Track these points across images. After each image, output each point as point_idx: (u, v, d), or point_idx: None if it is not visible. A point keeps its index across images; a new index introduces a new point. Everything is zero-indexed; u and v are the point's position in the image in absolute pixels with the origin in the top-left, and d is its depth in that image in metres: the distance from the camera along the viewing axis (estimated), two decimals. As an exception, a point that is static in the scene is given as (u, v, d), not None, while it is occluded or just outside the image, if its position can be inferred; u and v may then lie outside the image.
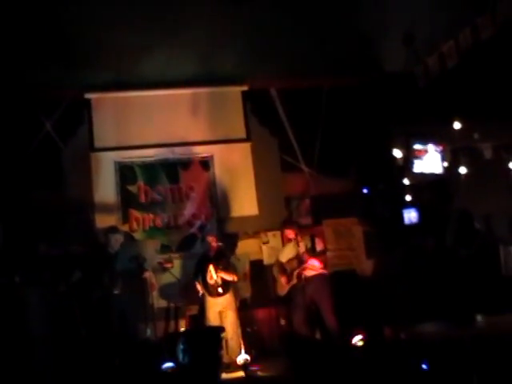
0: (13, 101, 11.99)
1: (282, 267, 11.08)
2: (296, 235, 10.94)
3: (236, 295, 11.16)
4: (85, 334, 10.61)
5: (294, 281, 10.80)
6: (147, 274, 10.68)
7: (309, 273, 10.77)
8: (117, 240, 10.77)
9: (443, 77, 11.12)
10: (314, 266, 10.78)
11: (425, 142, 12.34)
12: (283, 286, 10.98)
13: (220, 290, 10.90)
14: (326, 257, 10.94)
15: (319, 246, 10.80)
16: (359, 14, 10.43)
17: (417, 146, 12.31)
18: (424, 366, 6.67)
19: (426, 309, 9.72)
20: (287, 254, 11.08)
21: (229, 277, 10.94)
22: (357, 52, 11.68)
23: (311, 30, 10.85)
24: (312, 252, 10.71)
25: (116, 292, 10.30)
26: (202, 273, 11.05)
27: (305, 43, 11.30)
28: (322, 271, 10.87)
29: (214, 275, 10.89)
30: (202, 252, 11.71)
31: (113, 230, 11.01)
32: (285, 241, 11.88)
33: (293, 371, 9.11)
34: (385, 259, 10.88)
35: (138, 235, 12.39)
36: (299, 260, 10.77)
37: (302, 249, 10.75)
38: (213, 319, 10.88)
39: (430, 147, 12.47)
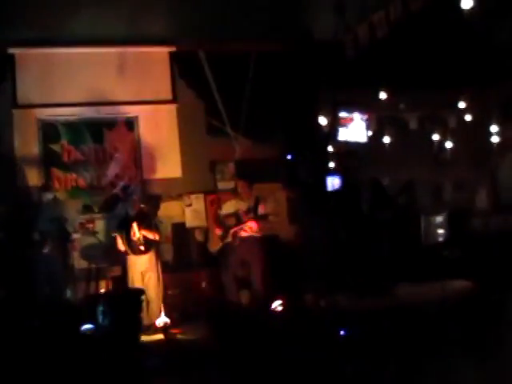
0: None
1: (219, 220, 11.09)
2: (245, 190, 10.97)
3: (158, 257, 11.12)
4: (3, 295, 10.51)
5: (229, 239, 10.83)
6: (76, 236, 10.65)
7: (244, 233, 10.81)
8: (48, 199, 10.65)
9: (372, 47, 11.16)
10: (251, 228, 10.81)
11: (351, 110, 12.45)
12: (216, 241, 11.00)
13: (142, 247, 10.87)
14: (266, 222, 10.96)
15: (261, 210, 10.83)
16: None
17: (343, 114, 12.42)
18: (342, 333, 6.77)
19: (346, 277, 9.87)
20: (228, 208, 11.11)
21: (151, 235, 10.92)
22: (287, 18, 11.65)
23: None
24: (254, 214, 10.74)
25: (41, 252, 10.23)
26: (124, 230, 10.99)
27: (234, 6, 11.20)
28: (256, 234, 10.90)
29: (136, 232, 10.86)
30: (124, 212, 11.63)
31: (45, 188, 10.88)
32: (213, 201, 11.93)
33: (213, 335, 9.17)
34: (308, 225, 10.97)
35: (59, 195, 12.21)
36: (237, 218, 10.81)
37: (244, 207, 10.79)
38: (135, 279, 10.88)
39: (356, 115, 12.59)
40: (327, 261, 10.59)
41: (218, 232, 11.03)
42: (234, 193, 11.49)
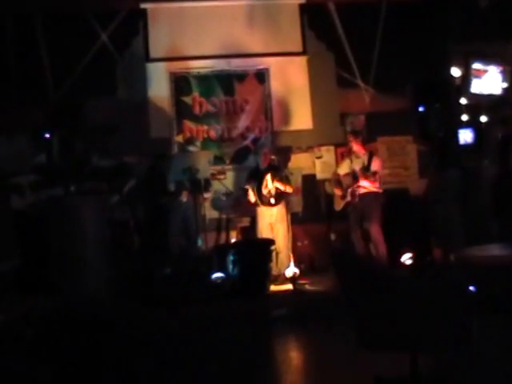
0: (70, 12, 11.99)
1: (338, 180, 11.03)
2: (359, 147, 10.85)
3: (288, 208, 11.13)
4: (138, 243, 10.83)
5: (349, 198, 10.76)
6: (208, 195, 10.84)
7: (362, 190, 10.71)
8: (192, 151, 10.85)
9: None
10: (365, 187, 10.69)
11: (485, 61, 12.08)
12: (339, 200, 10.96)
13: (272, 200, 10.91)
14: (378, 177, 10.81)
15: (375, 166, 10.70)
16: None
17: (476, 66, 12.06)
18: (471, 288, 6.67)
19: (478, 232, 9.66)
20: (344, 167, 11.03)
21: (283, 187, 10.92)
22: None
23: None
24: (365, 171, 10.63)
25: (175, 201, 10.48)
26: (255, 182, 11.07)
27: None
28: (374, 190, 10.77)
29: (269, 184, 10.88)
30: (255, 164, 11.71)
31: (189, 141, 11.08)
32: (344, 154, 11.84)
33: (340, 286, 9.18)
34: (438, 179, 10.78)
35: (191, 147, 12.46)
36: (354, 176, 10.72)
37: (358, 166, 10.69)
38: (264, 231, 10.93)
39: (491, 67, 12.21)
40: (457, 215, 10.40)
41: (338, 192, 10.95)
42: (348, 152, 11.35)
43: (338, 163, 11.92)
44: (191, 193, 10.68)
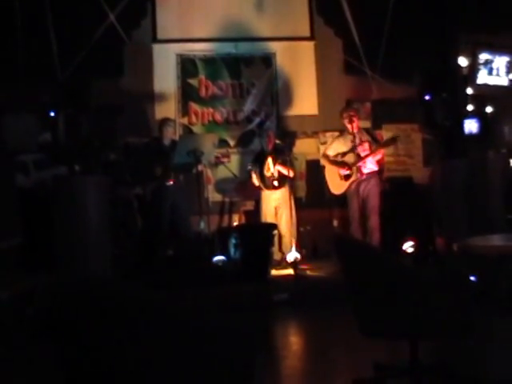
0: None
1: (334, 161, 10.89)
2: (356, 123, 10.75)
3: (291, 193, 11.09)
4: (140, 224, 10.84)
5: (355, 176, 10.58)
6: (201, 168, 10.64)
7: (365, 170, 10.58)
8: (168, 132, 10.80)
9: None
10: (376, 159, 10.58)
11: (492, 52, 12.08)
12: (339, 183, 10.82)
13: (275, 183, 10.91)
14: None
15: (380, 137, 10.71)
16: None
17: (483, 56, 12.07)
18: (472, 279, 6.69)
19: (482, 222, 9.66)
20: (339, 147, 10.81)
21: (285, 171, 10.91)
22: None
23: None
24: (376, 143, 10.58)
25: (169, 184, 10.43)
26: (258, 165, 11.10)
27: None
28: (375, 169, 10.70)
29: (271, 167, 10.90)
30: (259, 148, 11.71)
31: (164, 122, 11.01)
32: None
33: (342, 272, 9.21)
34: (443, 168, 10.79)
35: (196, 129, 12.47)
36: (356, 154, 10.57)
37: (359, 140, 10.57)
38: (268, 214, 10.96)
39: (498, 58, 12.22)
40: (461, 204, 10.40)
41: (345, 172, 10.78)
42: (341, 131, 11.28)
43: (326, 145, 11.79)
44: (187, 175, 10.60)
